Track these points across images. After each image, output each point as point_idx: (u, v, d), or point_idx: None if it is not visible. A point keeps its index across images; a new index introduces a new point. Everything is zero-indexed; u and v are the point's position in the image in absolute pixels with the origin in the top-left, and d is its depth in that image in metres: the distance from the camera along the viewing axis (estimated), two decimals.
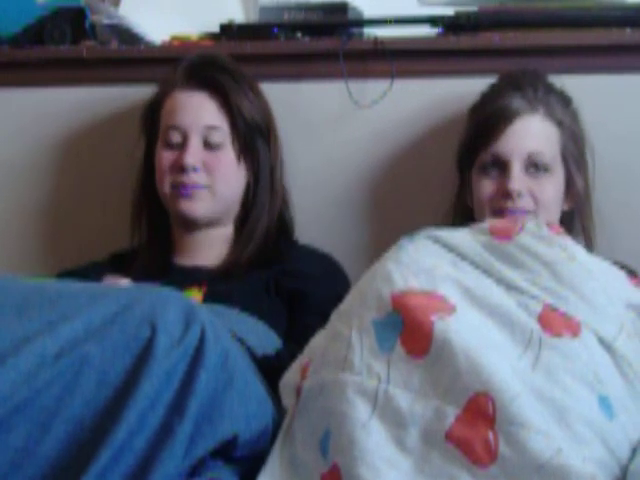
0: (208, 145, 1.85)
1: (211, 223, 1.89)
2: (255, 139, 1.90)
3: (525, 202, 1.72)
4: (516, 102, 1.75)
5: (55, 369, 1.27)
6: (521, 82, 1.78)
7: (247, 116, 1.88)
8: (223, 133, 1.86)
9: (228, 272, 1.85)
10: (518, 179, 1.71)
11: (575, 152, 1.77)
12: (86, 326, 1.30)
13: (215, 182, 1.85)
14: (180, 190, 1.84)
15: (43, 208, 2.14)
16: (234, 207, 1.90)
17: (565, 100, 1.79)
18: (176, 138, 1.85)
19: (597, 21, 1.87)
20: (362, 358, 1.31)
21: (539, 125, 1.74)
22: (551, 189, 1.73)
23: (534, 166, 1.72)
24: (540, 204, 1.72)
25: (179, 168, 1.83)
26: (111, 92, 2.08)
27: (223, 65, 1.90)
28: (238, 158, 1.87)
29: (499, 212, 1.73)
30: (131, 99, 2.06)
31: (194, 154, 1.83)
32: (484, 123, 1.76)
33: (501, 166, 1.73)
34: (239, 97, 1.88)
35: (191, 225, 1.88)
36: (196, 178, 1.84)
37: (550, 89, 1.78)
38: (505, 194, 1.71)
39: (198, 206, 1.85)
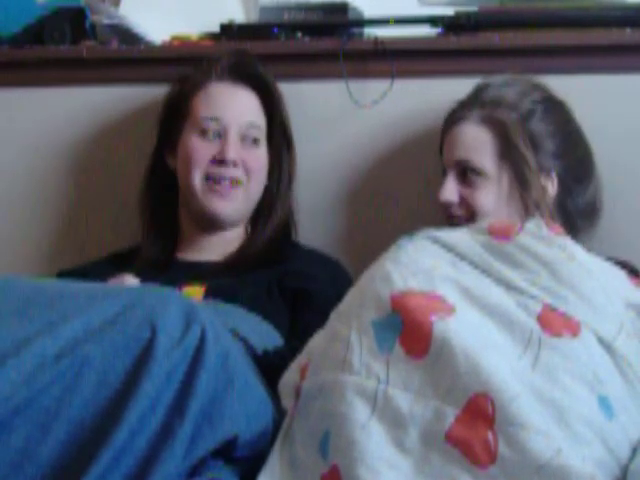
0: (245, 141, 1.86)
1: (232, 224, 1.90)
2: (282, 143, 1.92)
3: (457, 211, 1.74)
4: (454, 111, 1.78)
5: (55, 370, 1.27)
6: (473, 90, 1.79)
7: (283, 118, 1.91)
8: (261, 132, 1.88)
9: (231, 269, 1.86)
10: (447, 189, 1.74)
11: (530, 155, 1.71)
12: (86, 326, 1.29)
13: (250, 179, 1.86)
14: (215, 186, 1.84)
15: (43, 207, 2.14)
16: (252, 209, 1.92)
17: (531, 102, 1.74)
18: (214, 129, 1.85)
19: (597, 21, 1.87)
20: (361, 359, 1.31)
21: (469, 131, 1.74)
22: (485, 195, 1.71)
23: (467, 173, 1.72)
24: (474, 211, 1.72)
25: (219, 161, 1.83)
26: (111, 92, 2.08)
27: (261, 66, 1.91)
28: (268, 159, 1.89)
29: (448, 218, 1.75)
30: (131, 99, 2.06)
31: (236, 149, 1.84)
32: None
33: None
34: (279, 98, 1.91)
35: (213, 224, 1.89)
36: (234, 172, 1.84)
37: (504, 91, 1.75)
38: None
39: (230, 206, 1.86)
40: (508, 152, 1.71)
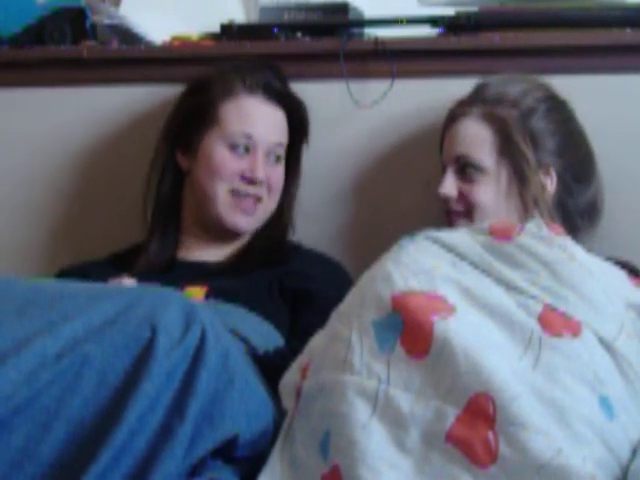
0: (269, 158, 1.88)
1: (245, 235, 1.92)
2: (298, 160, 1.96)
3: (456, 206, 1.75)
4: (455, 110, 1.79)
5: (56, 369, 1.27)
6: (475, 87, 1.80)
7: (307, 139, 1.95)
8: (283, 149, 1.91)
9: (232, 269, 1.86)
10: (447, 184, 1.75)
11: (530, 153, 1.72)
12: (86, 326, 1.29)
13: (270, 196, 1.89)
14: (240, 202, 1.85)
15: (43, 207, 2.14)
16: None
17: (534, 100, 1.75)
18: (243, 144, 1.85)
19: (597, 21, 1.87)
20: (362, 359, 1.30)
21: (470, 126, 1.75)
22: (483, 191, 1.73)
23: (466, 168, 1.74)
24: (472, 206, 1.73)
25: (248, 179, 1.85)
26: (111, 92, 2.08)
27: (287, 81, 1.93)
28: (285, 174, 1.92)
29: (447, 213, 1.78)
30: (132, 99, 2.06)
31: (264, 168, 1.86)
32: None
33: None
34: (307, 121, 1.94)
35: (228, 234, 1.90)
36: (259, 190, 1.87)
37: (506, 89, 1.76)
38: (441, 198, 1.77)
39: (252, 222, 1.89)
40: (507, 148, 1.73)
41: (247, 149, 1.86)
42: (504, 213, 1.72)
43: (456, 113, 1.79)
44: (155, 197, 1.93)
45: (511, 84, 1.76)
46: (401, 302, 1.32)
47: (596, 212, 1.80)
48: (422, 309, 1.31)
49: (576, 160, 1.77)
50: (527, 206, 1.72)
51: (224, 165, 1.85)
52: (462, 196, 1.75)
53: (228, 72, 1.90)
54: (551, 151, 1.74)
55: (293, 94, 1.93)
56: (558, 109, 1.77)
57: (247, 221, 1.88)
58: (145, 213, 1.95)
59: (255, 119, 1.87)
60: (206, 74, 1.91)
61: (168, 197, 1.93)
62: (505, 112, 1.73)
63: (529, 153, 1.71)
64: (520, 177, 1.72)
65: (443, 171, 1.79)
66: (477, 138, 1.74)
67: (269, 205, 1.90)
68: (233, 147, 1.85)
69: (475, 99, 1.77)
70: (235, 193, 1.86)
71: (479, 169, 1.73)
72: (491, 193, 1.73)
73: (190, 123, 1.89)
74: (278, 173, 1.90)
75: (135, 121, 2.05)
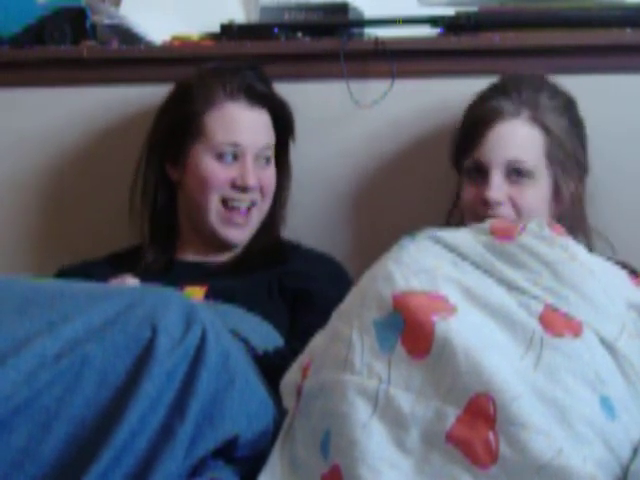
0: (259, 161, 1.87)
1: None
2: (286, 157, 1.94)
3: (505, 210, 1.70)
4: (498, 105, 1.73)
5: (56, 369, 1.27)
6: (508, 85, 1.76)
7: (292, 136, 1.93)
8: (272, 150, 1.90)
9: (232, 270, 1.86)
10: (497, 188, 1.70)
11: (564, 156, 1.72)
12: (87, 326, 1.30)
13: (264, 198, 1.88)
14: (233, 215, 1.84)
15: (43, 207, 2.14)
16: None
17: (560, 103, 1.75)
18: (231, 153, 1.84)
19: (597, 21, 1.87)
20: (363, 358, 1.31)
21: (521, 129, 1.72)
22: (533, 195, 1.71)
23: (515, 173, 1.70)
24: (521, 211, 1.70)
25: (239, 188, 1.84)
26: (111, 92, 2.08)
27: (269, 80, 1.91)
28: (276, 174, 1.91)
29: (480, 220, 1.67)
30: (131, 99, 2.06)
31: (255, 173, 1.84)
32: (468, 128, 1.76)
33: (483, 173, 1.72)
34: (291, 118, 1.92)
35: (222, 246, 1.89)
36: (252, 196, 1.86)
37: (540, 91, 1.74)
38: (484, 202, 1.70)
39: (245, 233, 1.88)
40: (557, 155, 1.71)
41: (235, 156, 1.84)
42: (546, 218, 1.66)
43: (497, 113, 1.72)
44: (152, 206, 1.92)
45: (540, 89, 1.74)
46: (402, 302, 1.32)
47: None
48: (423, 309, 1.31)
49: (587, 172, 1.79)
50: (565, 212, 1.73)
51: (214, 176, 1.84)
52: (510, 201, 1.71)
53: (208, 78, 1.87)
54: (580, 162, 1.75)
55: (275, 94, 1.91)
56: (579, 120, 1.78)
57: (240, 234, 1.87)
58: (130, 216, 1.94)
59: (240, 126, 1.85)
60: (186, 80, 1.89)
61: (164, 207, 1.92)
62: (551, 118, 1.72)
63: (573, 161, 1.72)
64: (557, 182, 1.72)
65: (477, 172, 1.72)
66: (529, 142, 1.71)
67: (263, 207, 1.89)
68: (220, 156, 1.84)
69: (513, 100, 1.73)
70: (227, 202, 1.85)
71: (530, 174, 1.70)
72: (540, 198, 1.71)
73: (175, 135, 1.87)
74: (269, 175, 1.89)
75: (135, 121, 2.04)
